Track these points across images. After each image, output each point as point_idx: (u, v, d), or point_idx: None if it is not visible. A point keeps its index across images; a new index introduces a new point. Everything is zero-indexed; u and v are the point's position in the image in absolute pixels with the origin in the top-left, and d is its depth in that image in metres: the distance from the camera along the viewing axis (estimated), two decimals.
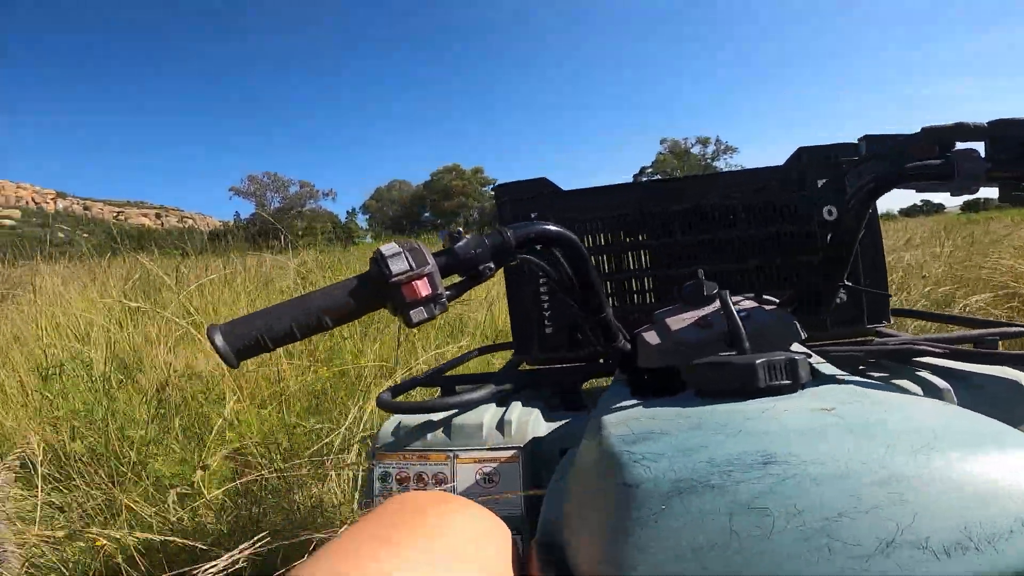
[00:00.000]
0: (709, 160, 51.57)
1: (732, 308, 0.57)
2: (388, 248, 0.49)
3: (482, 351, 1.34)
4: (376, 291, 0.49)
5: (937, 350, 0.76)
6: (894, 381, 0.75)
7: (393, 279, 0.48)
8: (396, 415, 0.85)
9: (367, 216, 57.02)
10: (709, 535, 0.29)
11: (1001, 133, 0.52)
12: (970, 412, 0.39)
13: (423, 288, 0.48)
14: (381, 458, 0.81)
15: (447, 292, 0.51)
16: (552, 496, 0.55)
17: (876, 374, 0.82)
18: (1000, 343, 0.83)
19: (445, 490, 0.79)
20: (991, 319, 1.02)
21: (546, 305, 1.02)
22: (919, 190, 0.60)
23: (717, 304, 0.65)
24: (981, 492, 0.29)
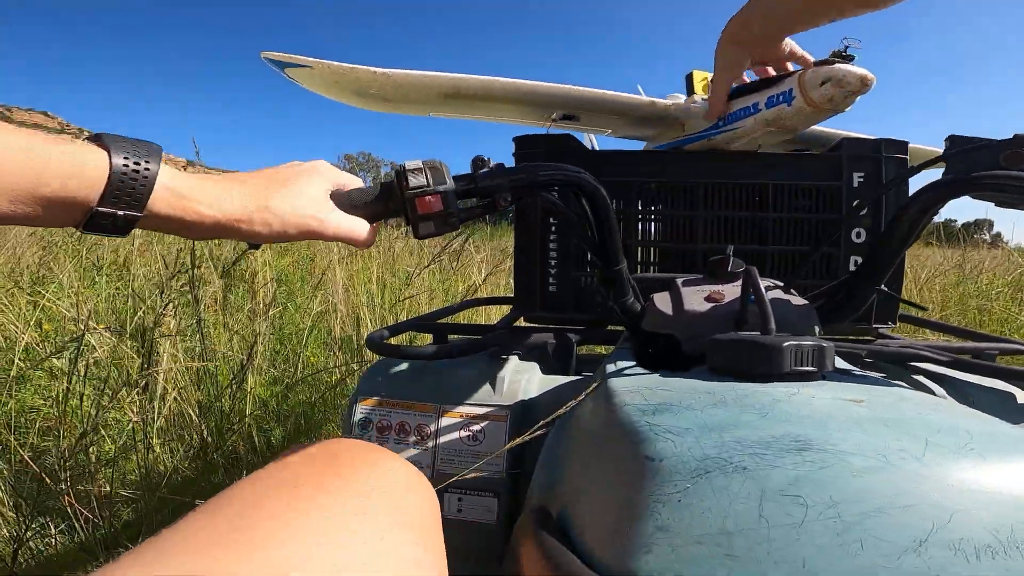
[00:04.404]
0: None
1: (760, 286, 0.52)
2: (411, 163, 0.51)
3: (477, 303, 1.29)
4: (393, 200, 0.51)
5: (936, 357, 0.74)
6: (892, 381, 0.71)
7: (409, 191, 0.50)
8: (385, 358, 0.81)
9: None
10: (737, 520, 0.27)
11: None
12: (1000, 421, 0.36)
13: (435, 204, 0.50)
14: (364, 402, 0.76)
15: (459, 213, 0.52)
16: (548, 461, 0.51)
17: (872, 374, 0.78)
18: (998, 358, 0.81)
19: (426, 446, 0.75)
20: (991, 334, 0.96)
21: (554, 262, 0.96)
22: (997, 203, 0.54)
23: (737, 283, 0.61)
24: (1015, 497, 0.27)
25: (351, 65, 1.03)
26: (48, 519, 1.17)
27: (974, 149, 0.54)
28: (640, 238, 0.97)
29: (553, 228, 0.95)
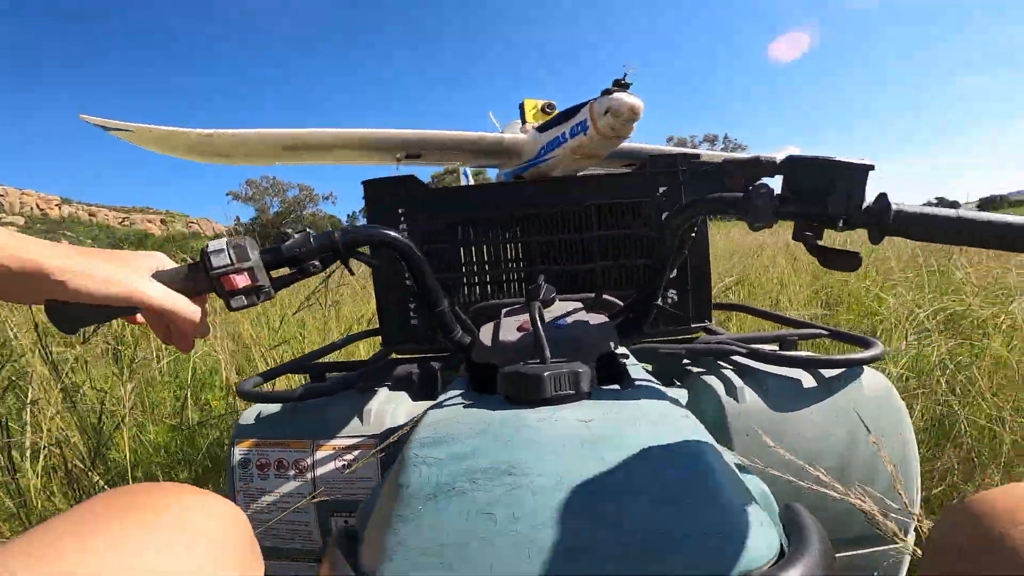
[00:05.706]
0: None
1: (538, 319, 0.60)
2: (214, 244, 0.53)
3: (353, 338, 1.34)
4: (201, 279, 0.53)
5: (737, 349, 0.86)
6: (703, 377, 0.85)
7: (213, 271, 0.52)
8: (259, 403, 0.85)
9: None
10: (450, 535, 0.33)
11: (791, 172, 0.50)
12: (689, 428, 0.43)
13: (241, 280, 0.53)
14: (241, 445, 0.81)
15: (271, 283, 0.55)
16: (376, 489, 0.57)
17: (694, 369, 0.91)
18: (799, 343, 0.93)
19: (305, 478, 0.80)
20: (797, 319, 1.08)
21: (411, 298, 1.03)
22: (730, 218, 0.62)
23: (550, 309, 0.68)
24: (655, 507, 0.33)
25: (173, 128, 1.04)
26: None
27: (703, 175, 0.65)
28: (483, 265, 1.05)
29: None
